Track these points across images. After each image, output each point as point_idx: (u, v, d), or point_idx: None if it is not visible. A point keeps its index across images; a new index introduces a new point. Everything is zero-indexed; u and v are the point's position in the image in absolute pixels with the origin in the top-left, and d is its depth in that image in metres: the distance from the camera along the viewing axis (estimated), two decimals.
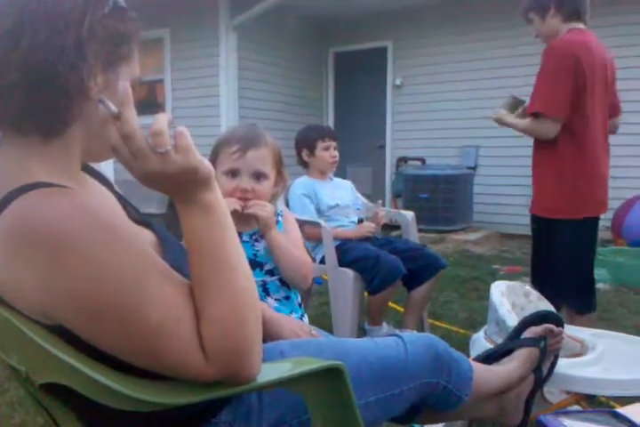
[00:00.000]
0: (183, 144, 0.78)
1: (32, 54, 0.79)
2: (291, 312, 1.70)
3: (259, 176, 1.65)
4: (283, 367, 0.94)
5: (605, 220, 5.63)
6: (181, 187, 0.81)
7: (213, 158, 1.68)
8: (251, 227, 1.69)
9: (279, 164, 1.70)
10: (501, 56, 6.59)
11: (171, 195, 0.83)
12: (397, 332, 2.87)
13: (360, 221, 2.98)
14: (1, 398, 2.27)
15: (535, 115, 2.31)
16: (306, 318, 1.75)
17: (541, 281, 2.47)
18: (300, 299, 1.78)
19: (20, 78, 0.79)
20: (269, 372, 0.87)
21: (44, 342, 0.76)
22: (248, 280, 0.86)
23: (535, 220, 2.48)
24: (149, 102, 7.52)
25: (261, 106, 7.12)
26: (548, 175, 2.39)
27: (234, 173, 1.64)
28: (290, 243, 1.69)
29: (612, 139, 2.51)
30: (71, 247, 0.74)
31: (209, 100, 6.84)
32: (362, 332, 2.87)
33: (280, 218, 1.76)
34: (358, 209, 3.08)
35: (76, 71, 0.81)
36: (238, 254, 0.86)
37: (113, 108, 0.78)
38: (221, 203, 0.86)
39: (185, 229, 0.84)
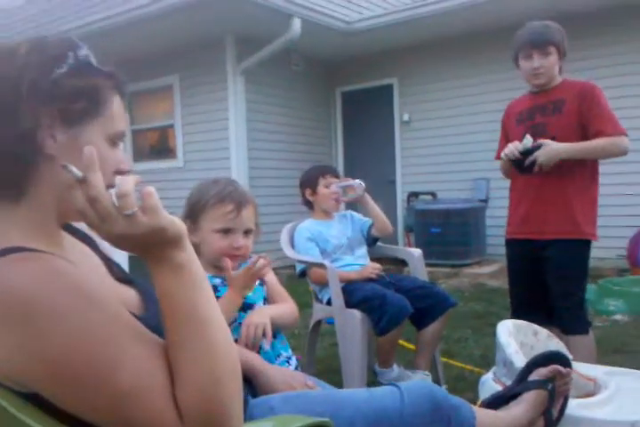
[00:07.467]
0: (150, 204, 0.77)
1: None
2: (279, 355, 1.69)
3: (247, 232, 1.75)
4: None
5: (620, 249, 5.56)
6: (150, 247, 0.80)
7: (196, 214, 1.71)
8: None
9: (257, 217, 1.79)
10: (507, 89, 6.61)
11: (140, 255, 0.82)
12: (409, 373, 2.82)
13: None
14: None
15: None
16: (294, 361, 1.73)
17: None
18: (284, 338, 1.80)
19: None
20: None
21: (16, 412, 0.76)
22: (225, 338, 0.84)
23: None
24: (161, 148, 7.66)
25: (271, 147, 7.21)
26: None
27: (226, 231, 1.70)
28: (278, 306, 1.77)
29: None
30: (41, 312, 0.73)
31: (219, 143, 6.95)
32: (373, 374, 2.82)
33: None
34: (363, 236, 3.08)
35: (25, 136, 0.81)
36: (213, 312, 0.84)
37: (77, 172, 0.76)
38: (194, 261, 0.84)
39: (157, 289, 0.83)
